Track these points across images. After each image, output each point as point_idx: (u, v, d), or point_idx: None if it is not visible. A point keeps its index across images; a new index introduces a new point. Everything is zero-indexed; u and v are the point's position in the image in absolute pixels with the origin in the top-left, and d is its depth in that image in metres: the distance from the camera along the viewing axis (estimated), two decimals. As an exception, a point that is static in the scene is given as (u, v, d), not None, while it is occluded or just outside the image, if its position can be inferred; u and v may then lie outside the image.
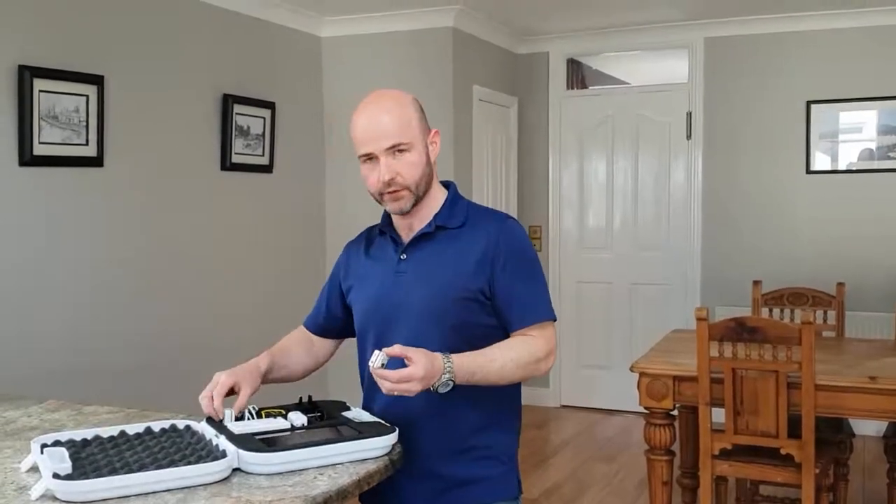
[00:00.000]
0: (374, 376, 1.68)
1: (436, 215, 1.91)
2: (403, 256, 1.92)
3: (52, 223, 3.71)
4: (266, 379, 1.97)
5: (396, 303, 1.89)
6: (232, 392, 1.85)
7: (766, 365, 3.18)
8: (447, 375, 1.70)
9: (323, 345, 2.13)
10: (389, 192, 1.85)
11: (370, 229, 2.06)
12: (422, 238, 1.91)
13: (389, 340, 1.88)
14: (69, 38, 3.77)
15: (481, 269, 1.84)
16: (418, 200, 1.88)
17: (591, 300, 6.28)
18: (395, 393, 1.67)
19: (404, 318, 1.88)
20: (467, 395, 1.80)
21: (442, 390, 1.71)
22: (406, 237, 1.94)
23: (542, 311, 1.87)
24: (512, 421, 1.96)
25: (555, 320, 1.89)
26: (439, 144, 1.94)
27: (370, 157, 1.85)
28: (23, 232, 3.59)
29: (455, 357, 1.73)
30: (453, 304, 1.83)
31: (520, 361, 1.81)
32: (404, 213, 1.90)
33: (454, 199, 1.95)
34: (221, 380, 1.85)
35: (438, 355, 1.71)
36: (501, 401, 1.90)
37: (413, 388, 1.66)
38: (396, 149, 1.83)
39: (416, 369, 1.66)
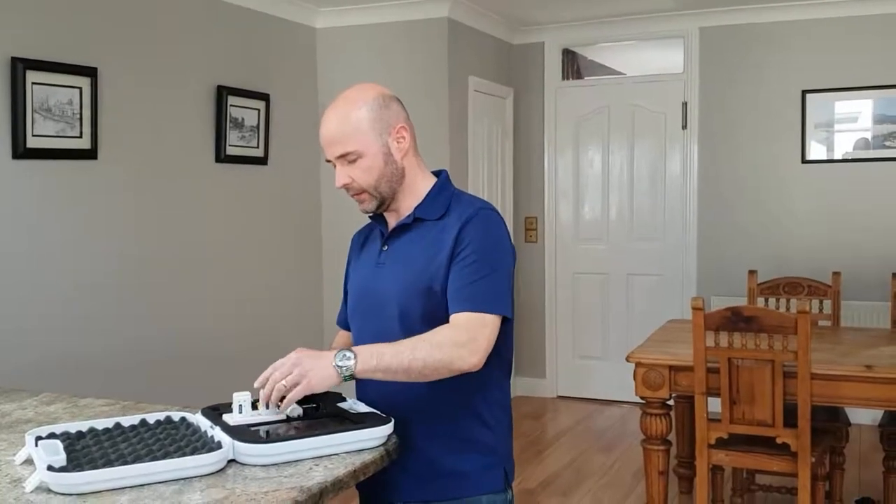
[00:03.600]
0: (264, 399, 1.71)
1: (416, 207, 1.91)
2: (385, 248, 1.93)
3: (45, 216, 3.69)
4: None
5: (374, 294, 1.91)
6: None
7: (762, 354, 3.19)
8: (345, 351, 1.70)
9: None
10: (352, 195, 1.89)
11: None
12: (401, 229, 1.91)
13: (364, 332, 1.92)
14: (62, 30, 3.75)
15: (444, 257, 1.82)
16: (384, 200, 1.89)
17: (587, 291, 6.29)
18: (277, 394, 1.68)
19: (378, 309, 1.89)
20: (452, 388, 1.80)
21: (343, 363, 1.69)
22: (391, 228, 1.95)
23: (479, 301, 1.76)
24: (498, 416, 1.93)
25: (500, 315, 1.78)
26: (408, 139, 1.88)
27: (332, 163, 1.89)
28: (16, 225, 3.58)
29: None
30: (421, 295, 1.82)
31: (434, 342, 1.72)
32: (372, 213, 1.93)
33: (441, 188, 1.93)
34: (297, 350, 1.89)
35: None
36: (487, 396, 1.89)
37: (290, 368, 1.68)
38: (346, 157, 1.84)
39: (290, 354, 1.70)
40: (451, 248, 1.81)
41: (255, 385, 1.70)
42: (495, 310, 1.77)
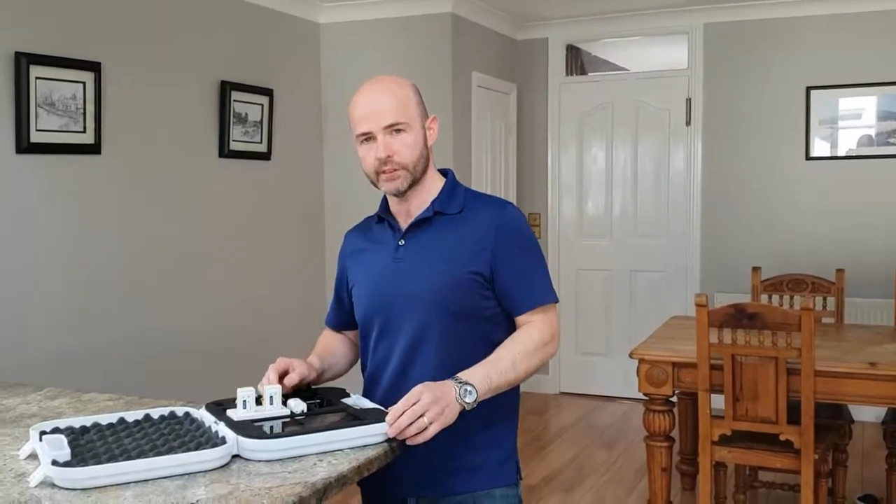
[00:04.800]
0: (395, 432, 1.64)
1: (434, 201, 1.91)
2: (402, 242, 1.92)
3: (49, 211, 3.69)
4: (320, 379, 1.98)
5: (397, 290, 1.89)
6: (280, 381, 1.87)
7: (765, 351, 3.18)
8: (465, 385, 1.71)
9: (355, 335, 2.09)
10: (385, 171, 1.86)
11: (369, 218, 2.06)
12: (420, 224, 1.91)
13: (393, 329, 1.90)
14: (66, 25, 3.75)
15: (481, 253, 1.85)
16: (414, 182, 1.88)
17: (591, 287, 6.28)
18: (416, 429, 1.64)
19: (406, 305, 1.88)
20: None
21: (469, 399, 1.71)
22: (404, 223, 1.93)
23: (543, 295, 1.89)
24: (512, 409, 1.97)
25: (556, 302, 1.92)
26: (437, 131, 1.94)
27: (368, 137, 1.86)
28: (20, 220, 3.58)
29: (461, 373, 1.75)
30: (454, 288, 1.84)
31: (528, 350, 1.82)
32: (400, 195, 1.89)
33: (453, 185, 1.96)
34: (277, 360, 1.88)
35: (443, 381, 1.72)
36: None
37: (428, 405, 1.64)
38: (394, 128, 1.84)
39: (415, 390, 1.67)
40: (489, 245, 1.85)
41: (389, 419, 1.65)
42: (554, 298, 1.92)
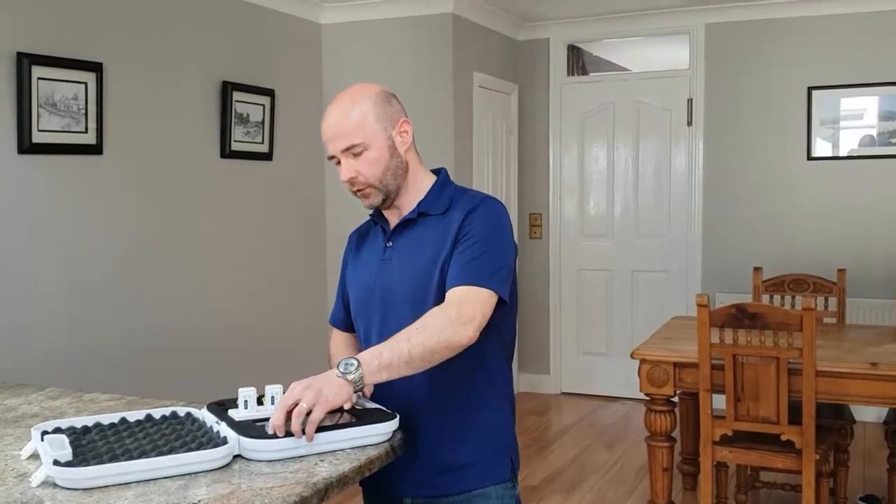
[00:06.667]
0: (277, 430, 1.60)
1: (420, 202, 1.92)
2: (389, 244, 1.94)
3: (51, 211, 3.70)
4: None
5: (382, 291, 1.91)
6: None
7: (766, 351, 3.18)
8: (346, 360, 1.67)
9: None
10: (357, 191, 1.89)
11: (370, 219, 2.07)
12: (405, 225, 1.92)
13: (376, 328, 1.92)
14: (67, 25, 3.75)
15: (452, 245, 1.84)
16: (390, 194, 1.89)
17: (592, 287, 6.28)
18: (296, 418, 1.59)
19: (389, 305, 1.89)
20: (454, 372, 1.80)
21: (350, 370, 1.66)
22: (393, 225, 1.95)
23: (476, 276, 1.77)
24: (504, 404, 1.95)
25: (493, 291, 1.78)
26: (410, 133, 1.91)
27: (335, 160, 1.89)
28: (22, 220, 3.58)
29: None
30: (435, 289, 1.83)
31: (427, 324, 1.72)
32: (377, 207, 1.92)
33: (443, 185, 1.95)
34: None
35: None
36: (489, 378, 1.90)
37: (299, 394, 1.61)
38: (352, 151, 1.84)
39: (291, 388, 1.64)
40: (455, 235, 1.84)
41: (270, 430, 1.62)
42: (488, 284, 1.77)
